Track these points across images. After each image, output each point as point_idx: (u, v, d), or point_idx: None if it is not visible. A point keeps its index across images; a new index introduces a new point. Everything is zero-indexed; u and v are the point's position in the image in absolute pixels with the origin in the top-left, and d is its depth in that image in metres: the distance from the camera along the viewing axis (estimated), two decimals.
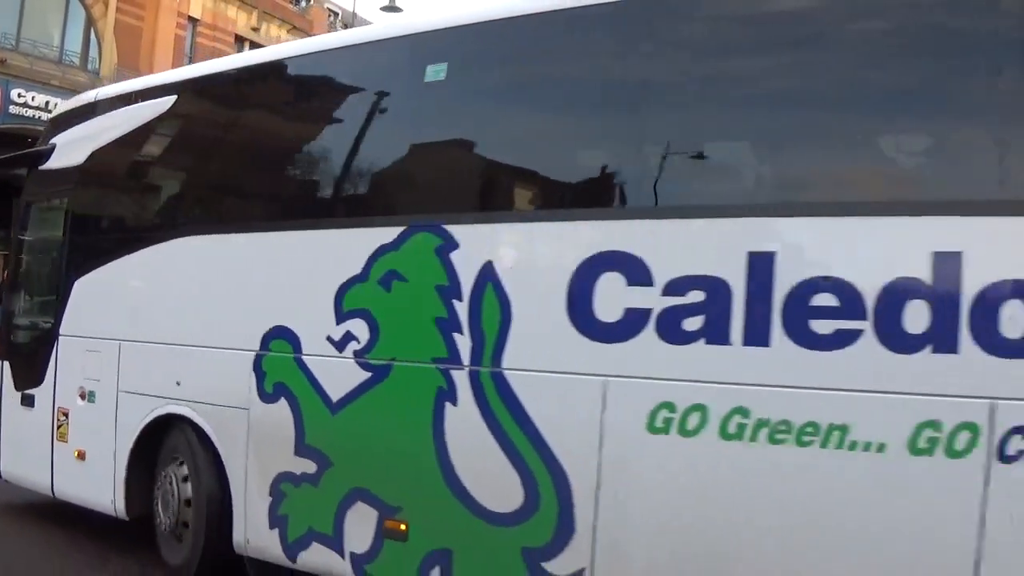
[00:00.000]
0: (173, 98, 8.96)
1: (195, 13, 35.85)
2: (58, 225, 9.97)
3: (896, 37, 5.44)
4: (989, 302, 4.75)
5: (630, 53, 6.18)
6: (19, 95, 28.46)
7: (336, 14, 46.56)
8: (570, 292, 5.99)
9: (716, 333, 5.45)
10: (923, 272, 4.91)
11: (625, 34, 6.18)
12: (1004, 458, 4.64)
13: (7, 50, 29.12)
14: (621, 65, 6.24)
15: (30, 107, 28.68)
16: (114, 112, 9.56)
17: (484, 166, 7.02)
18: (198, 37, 36.17)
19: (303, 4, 44.85)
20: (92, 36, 32.52)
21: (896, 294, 4.98)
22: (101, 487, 9.02)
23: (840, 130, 5.52)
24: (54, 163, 10.05)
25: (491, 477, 6.30)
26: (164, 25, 34.16)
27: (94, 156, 9.59)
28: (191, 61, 35.70)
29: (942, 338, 4.83)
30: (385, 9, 36.42)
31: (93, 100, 10.04)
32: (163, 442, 8.69)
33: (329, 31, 43.75)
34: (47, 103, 28.86)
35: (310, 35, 42.01)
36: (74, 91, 29.84)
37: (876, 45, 5.51)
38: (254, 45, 39.07)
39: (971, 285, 4.79)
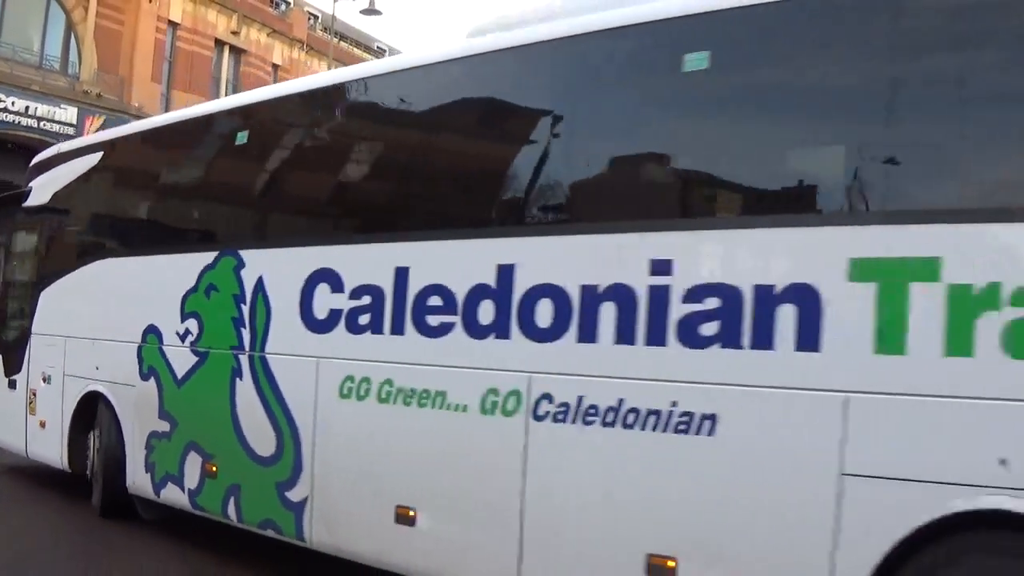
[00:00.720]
0: (99, 155, 11.99)
1: (175, 17, 35.99)
2: (32, 248, 13.15)
3: None
4: (529, 302, 6.64)
5: None
6: None
7: (316, 17, 46.91)
8: (301, 297, 8.22)
9: (376, 325, 7.62)
10: (490, 280, 6.85)
11: None
12: (536, 417, 6.53)
13: None
14: None
15: (10, 112, 29.00)
16: (65, 164, 12.54)
17: (260, 208, 9.71)
18: (178, 41, 36.36)
19: (283, 8, 45.21)
20: (72, 40, 32.82)
21: (474, 296, 6.95)
22: (55, 448, 11.72)
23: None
24: (31, 201, 13.02)
25: (259, 431, 8.58)
26: (144, 29, 34.40)
27: (54, 197, 12.59)
28: (171, 65, 36.09)
29: (501, 327, 6.78)
30: (365, 12, 36.90)
31: (56, 153, 13.02)
32: (94, 413, 11.19)
33: (309, 34, 44.14)
34: (27, 108, 29.22)
35: (291, 38, 42.48)
36: (54, 96, 30.33)
37: None
38: (234, 49, 39.49)
39: (520, 289, 6.69)
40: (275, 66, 41.96)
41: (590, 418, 6.25)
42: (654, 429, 5.96)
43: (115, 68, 33.28)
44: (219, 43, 38.72)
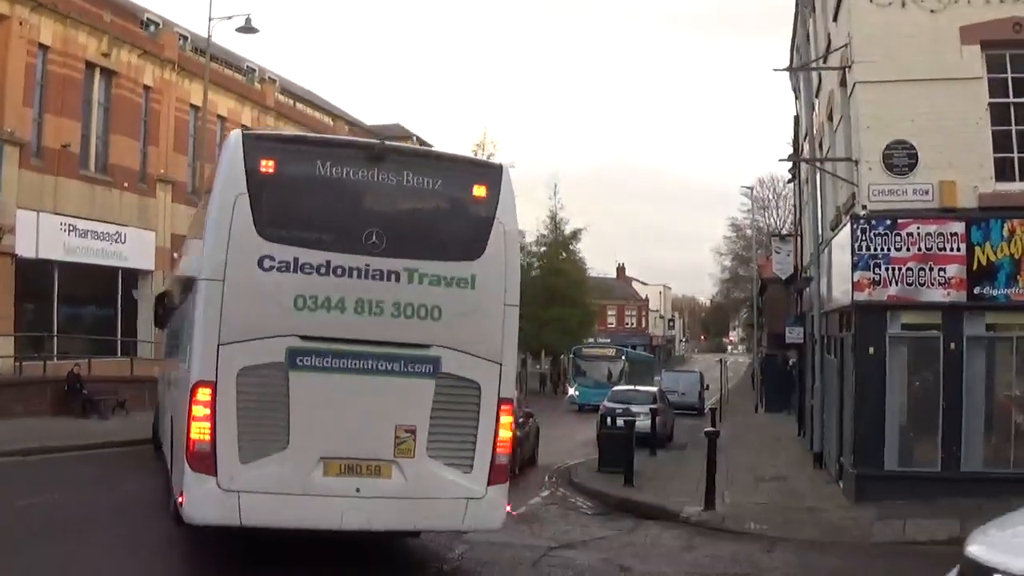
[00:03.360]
0: None
1: (45, 40, 36.27)
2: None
3: None
4: None
5: None
6: None
7: (186, 38, 47.37)
8: None
9: None
10: None
11: None
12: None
13: None
14: None
15: None
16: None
17: None
18: (49, 64, 36.65)
19: (153, 29, 45.64)
20: None
21: None
22: None
23: None
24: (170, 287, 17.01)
25: None
26: (15, 54, 34.76)
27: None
28: (42, 88, 36.37)
29: None
30: (241, 30, 37.64)
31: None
32: None
33: (180, 54, 44.61)
34: None
35: (162, 59, 42.90)
36: None
37: None
38: (105, 71, 39.87)
39: None
40: (147, 87, 42.45)
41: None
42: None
43: None
44: (90, 65, 39.08)
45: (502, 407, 11.71)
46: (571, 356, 67.64)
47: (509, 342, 11.82)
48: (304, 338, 10.91)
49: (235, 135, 11.43)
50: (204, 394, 10.59)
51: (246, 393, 10.66)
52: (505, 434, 11.80)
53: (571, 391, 63.15)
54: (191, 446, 10.59)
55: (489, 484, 11.60)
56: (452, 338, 11.44)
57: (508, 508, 12.23)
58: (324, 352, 10.96)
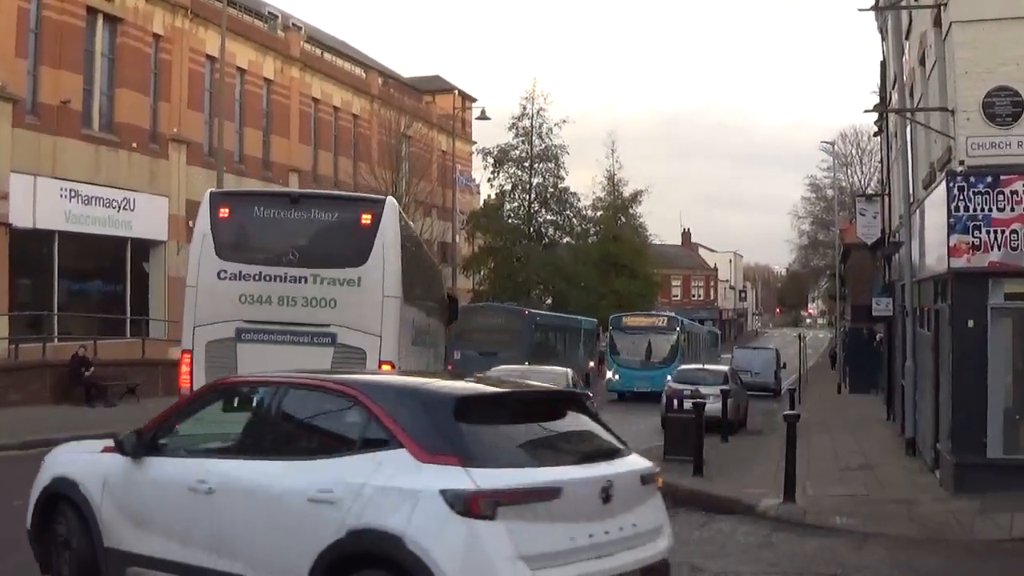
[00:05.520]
0: None
1: None
2: None
3: None
4: None
5: None
6: None
7: None
8: None
9: None
10: None
11: None
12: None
13: None
14: None
15: None
16: None
17: None
18: (44, 10, 36.75)
19: None
20: None
21: None
22: None
23: None
24: None
25: None
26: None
27: None
28: (37, 38, 36.54)
29: None
30: None
31: None
32: None
33: (194, 0, 44.71)
34: None
35: (172, 4, 42.98)
36: None
37: None
38: (109, 18, 40.06)
39: None
40: (156, 36, 42.67)
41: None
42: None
43: None
44: (91, 11, 39.40)
45: (382, 365, 17.96)
46: (609, 329, 58.64)
47: (388, 321, 18.33)
48: (247, 322, 18.11)
49: (207, 194, 19.13)
50: (186, 359, 18.12)
51: (212, 357, 17.93)
52: None
53: (608, 374, 55.20)
54: (179, 390, 17.84)
55: None
56: (344, 319, 18.18)
57: None
58: (259, 331, 18.10)
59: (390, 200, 19.61)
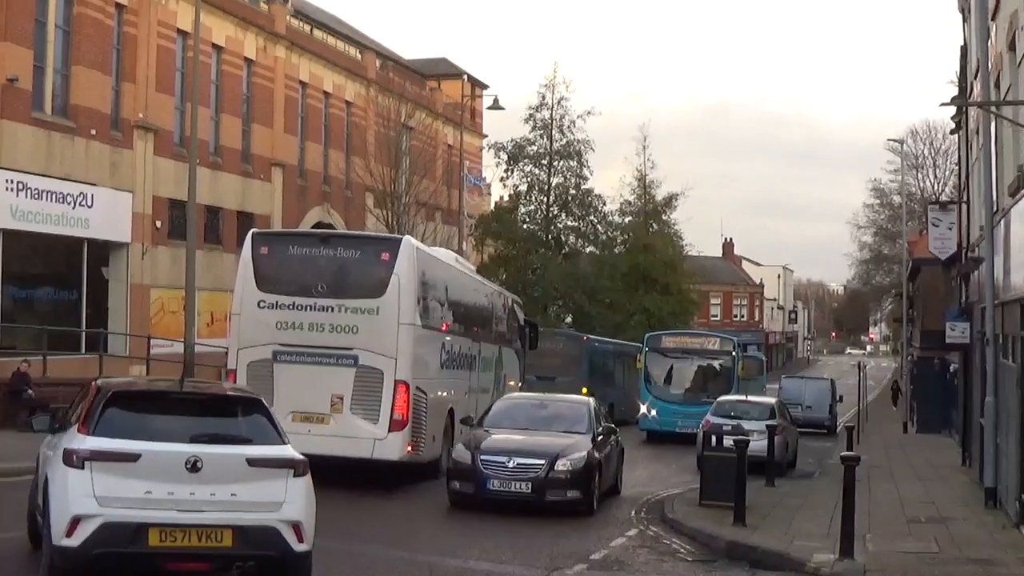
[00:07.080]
0: None
1: None
2: None
3: None
4: None
5: None
6: None
7: None
8: None
9: None
10: None
11: None
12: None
13: None
14: None
15: None
16: None
17: None
18: None
19: None
20: None
21: None
22: None
23: None
24: None
25: None
26: None
27: None
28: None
29: None
30: None
31: None
32: None
33: None
34: None
35: None
36: None
37: None
38: None
39: None
40: (120, 6, 42.66)
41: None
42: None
43: None
44: None
45: (397, 385, 24.29)
46: (643, 350, 52.23)
47: (403, 345, 24.54)
48: (282, 345, 24.52)
49: (250, 234, 26.16)
50: (231, 378, 24.43)
51: (252, 376, 24.01)
52: (400, 400, 24.34)
53: (642, 408, 49.86)
54: None
55: (389, 431, 24.29)
56: (365, 344, 24.38)
57: (408, 448, 24.72)
58: (292, 352, 24.51)
59: (406, 239, 26.44)
